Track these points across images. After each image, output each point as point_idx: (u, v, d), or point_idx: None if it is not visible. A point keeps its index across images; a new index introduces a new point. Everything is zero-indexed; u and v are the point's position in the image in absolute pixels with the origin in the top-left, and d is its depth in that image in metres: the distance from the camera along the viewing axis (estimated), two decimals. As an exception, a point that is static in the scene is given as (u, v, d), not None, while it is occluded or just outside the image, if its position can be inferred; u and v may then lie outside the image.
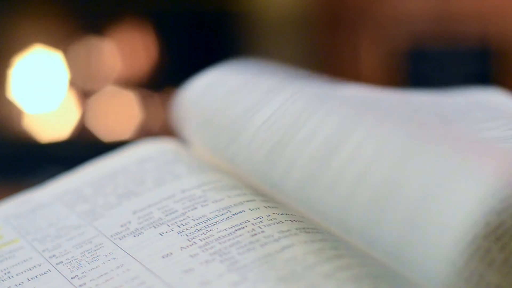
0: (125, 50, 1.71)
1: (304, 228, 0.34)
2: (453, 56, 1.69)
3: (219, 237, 0.34)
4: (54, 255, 0.37)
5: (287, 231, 0.33)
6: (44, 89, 1.68)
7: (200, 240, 0.34)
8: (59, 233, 0.39)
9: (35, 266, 0.36)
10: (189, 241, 0.35)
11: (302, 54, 1.76)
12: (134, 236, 0.36)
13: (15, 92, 1.67)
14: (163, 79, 1.74)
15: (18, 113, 1.67)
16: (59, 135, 1.67)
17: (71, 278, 0.35)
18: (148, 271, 0.33)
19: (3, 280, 0.35)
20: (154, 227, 0.37)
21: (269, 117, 0.35)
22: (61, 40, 1.68)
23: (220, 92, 0.40)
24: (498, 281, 0.29)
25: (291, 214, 0.35)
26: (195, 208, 0.37)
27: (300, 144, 0.33)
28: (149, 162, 0.44)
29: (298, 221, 0.34)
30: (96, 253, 0.36)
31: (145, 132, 1.67)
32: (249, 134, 0.36)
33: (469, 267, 0.30)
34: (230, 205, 0.36)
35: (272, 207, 0.36)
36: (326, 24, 1.76)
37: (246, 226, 0.34)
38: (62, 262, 0.36)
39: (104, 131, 1.69)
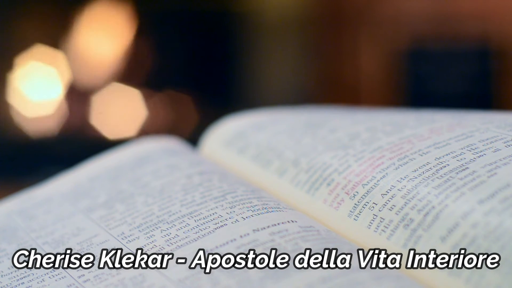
0: (127, 48, 1.71)
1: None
2: (453, 56, 1.69)
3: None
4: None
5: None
6: (45, 88, 1.68)
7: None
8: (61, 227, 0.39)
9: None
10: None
11: (302, 54, 1.76)
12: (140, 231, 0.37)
13: (15, 92, 1.67)
14: (163, 79, 1.74)
15: (18, 112, 1.67)
16: (60, 134, 1.67)
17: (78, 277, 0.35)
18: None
19: None
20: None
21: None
22: (61, 39, 1.68)
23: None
24: (498, 281, 0.29)
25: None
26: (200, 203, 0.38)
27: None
28: (148, 159, 0.44)
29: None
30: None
31: (148, 131, 1.67)
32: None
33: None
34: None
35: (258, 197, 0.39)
36: (326, 24, 1.76)
37: None
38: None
39: (107, 129, 1.69)
